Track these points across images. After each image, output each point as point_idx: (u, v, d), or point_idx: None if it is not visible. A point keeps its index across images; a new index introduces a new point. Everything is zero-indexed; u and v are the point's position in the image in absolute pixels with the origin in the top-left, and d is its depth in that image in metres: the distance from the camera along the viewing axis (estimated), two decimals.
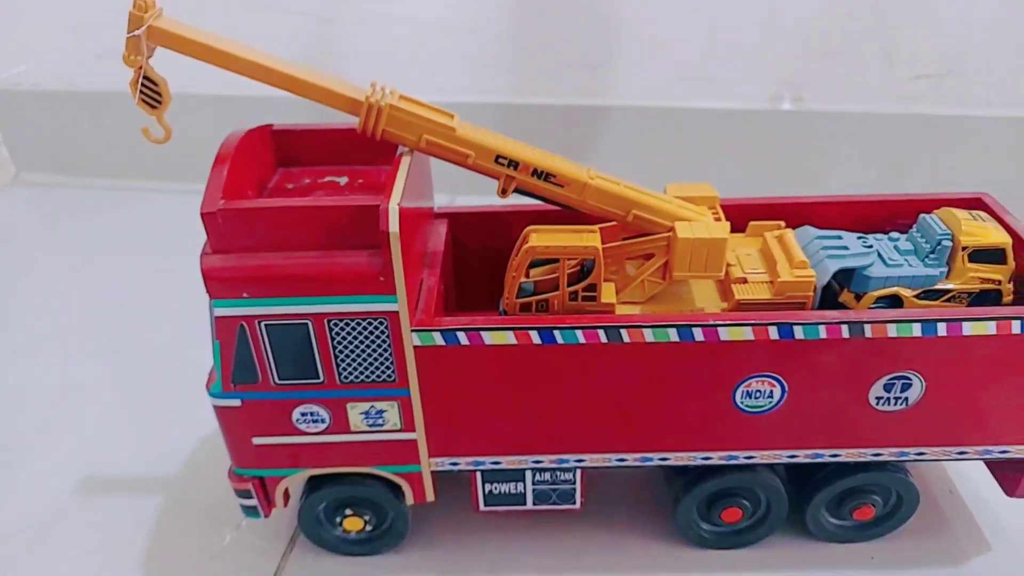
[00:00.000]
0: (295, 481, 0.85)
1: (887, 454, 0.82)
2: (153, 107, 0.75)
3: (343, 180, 0.84)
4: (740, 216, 0.90)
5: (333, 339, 0.74)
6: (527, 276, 0.82)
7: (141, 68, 0.73)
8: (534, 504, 0.88)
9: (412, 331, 0.74)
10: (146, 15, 0.70)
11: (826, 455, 0.82)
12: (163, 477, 1.03)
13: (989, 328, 0.73)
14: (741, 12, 1.36)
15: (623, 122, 1.49)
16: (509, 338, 0.74)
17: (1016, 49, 1.33)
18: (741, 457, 0.82)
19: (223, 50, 0.72)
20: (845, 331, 0.73)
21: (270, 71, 0.73)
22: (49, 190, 1.77)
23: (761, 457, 0.82)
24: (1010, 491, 0.86)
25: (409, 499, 0.86)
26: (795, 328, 0.73)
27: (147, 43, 0.71)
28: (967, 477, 0.97)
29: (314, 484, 0.86)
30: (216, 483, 0.92)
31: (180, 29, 0.72)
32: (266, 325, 0.73)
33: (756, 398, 0.78)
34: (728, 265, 0.83)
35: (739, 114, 1.45)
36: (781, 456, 0.82)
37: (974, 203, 0.90)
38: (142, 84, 0.74)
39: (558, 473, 0.85)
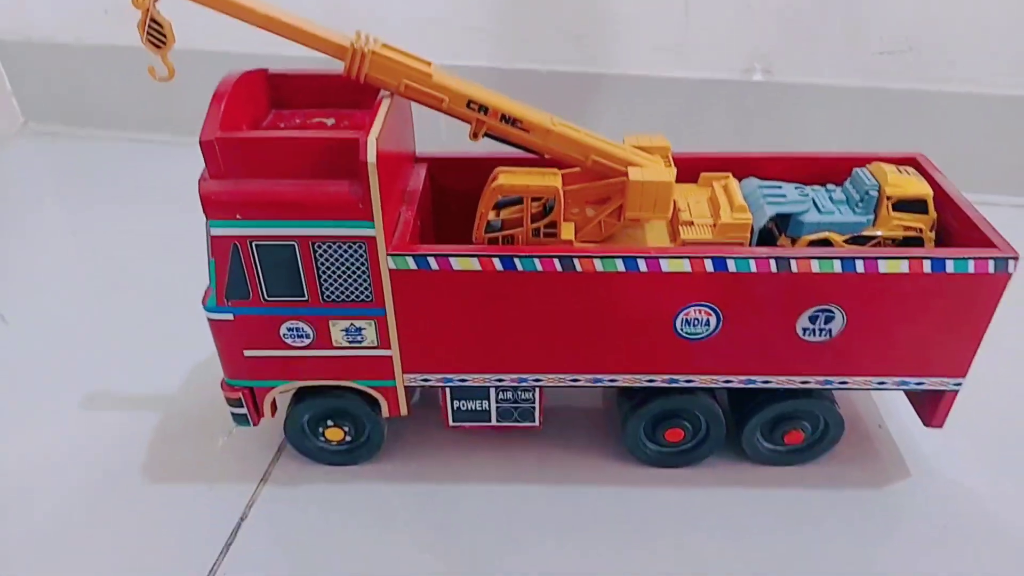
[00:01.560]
0: (282, 392, 0.94)
1: (813, 382, 0.91)
2: (158, 47, 0.83)
3: (330, 121, 0.92)
4: (693, 168, 0.98)
5: (317, 260, 0.83)
6: (497, 215, 0.91)
7: (148, 10, 0.81)
8: (498, 421, 0.97)
9: (388, 255, 0.83)
10: None
11: (758, 381, 0.91)
12: (162, 395, 1.12)
13: (902, 266, 0.82)
14: None
15: (603, 89, 1.56)
16: (474, 264, 0.83)
17: (974, 28, 1.41)
18: (682, 381, 0.91)
19: None
20: (773, 265, 0.82)
21: (267, 18, 0.81)
22: (56, 139, 1.85)
23: (700, 381, 0.91)
24: (927, 421, 0.95)
25: (385, 412, 0.95)
26: (728, 262, 0.82)
27: None
28: (895, 413, 1.07)
29: (299, 396, 0.95)
30: (211, 400, 1.00)
31: None
32: (256, 245, 0.82)
33: (694, 326, 0.87)
34: (678, 210, 0.92)
35: (712, 84, 1.52)
36: (718, 381, 0.91)
37: (909, 162, 0.99)
38: (149, 25, 0.82)
39: (519, 392, 0.94)
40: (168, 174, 1.67)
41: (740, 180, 0.96)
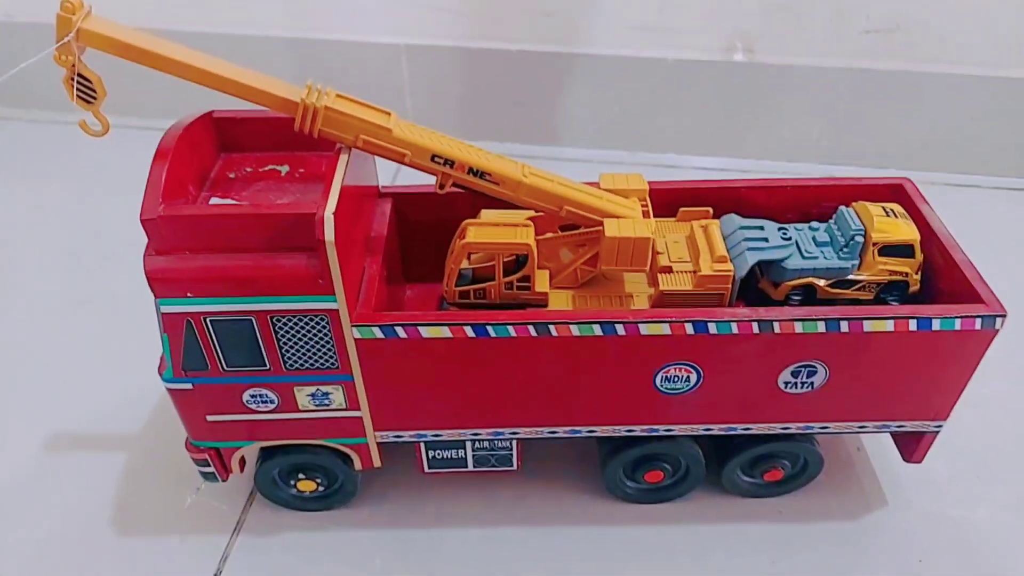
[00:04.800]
0: (250, 450, 0.91)
1: (794, 428, 0.89)
2: (89, 103, 0.76)
3: (284, 169, 0.86)
4: (670, 200, 0.94)
5: (277, 333, 0.78)
6: (468, 261, 0.86)
7: (74, 66, 0.73)
8: (474, 467, 0.95)
9: (353, 326, 0.78)
10: (74, 16, 0.70)
11: (739, 429, 0.89)
12: (128, 432, 1.08)
13: (888, 326, 0.79)
14: None
15: (576, 70, 1.48)
16: (444, 332, 0.79)
17: (965, 5, 1.34)
18: (662, 430, 0.89)
19: (156, 52, 0.73)
20: (755, 327, 0.79)
21: (206, 74, 0.74)
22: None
23: (680, 430, 0.89)
24: (907, 457, 0.95)
25: (357, 465, 0.93)
26: (709, 324, 0.79)
27: (77, 44, 0.72)
28: (874, 436, 1.06)
29: (268, 452, 0.92)
30: (177, 437, 0.96)
31: (110, 30, 0.72)
32: (211, 321, 0.77)
33: (675, 382, 0.84)
34: (656, 253, 0.88)
35: (692, 64, 1.45)
36: (698, 429, 0.89)
37: (895, 188, 0.95)
38: (77, 81, 0.75)
39: (496, 442, 0.92)
40: (118, 159, 1.54)
41: (720, 215, 0.92)
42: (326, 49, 1.54)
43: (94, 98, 0.76)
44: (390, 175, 1.33)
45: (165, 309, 0.77)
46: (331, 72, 1.54)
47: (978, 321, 0.79)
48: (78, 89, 0.75)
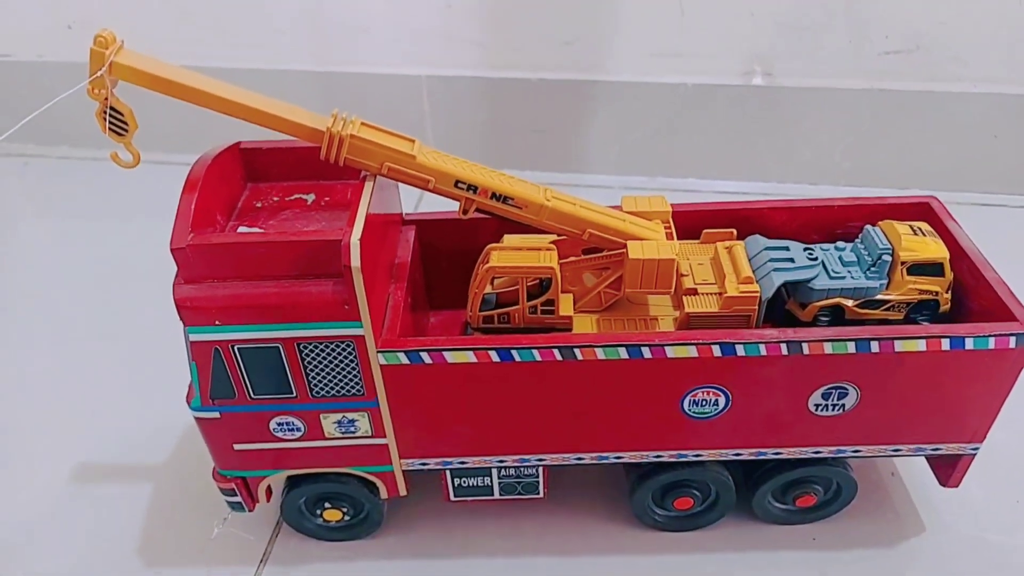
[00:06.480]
0: (276, 480, 0.91)
1: (826, 451, 0.88)
2: (120, 135, 0.78)
3: (310, 198, 0.86)
4: (694, 222, 0.94)
5: (303, 360, 0.79)
6: (491, 285, 0.86)
7: (107, 99, 0.75)
8: (500, 495, 0.94)
9: (378, 352, 0.78)
10: (107, 51, 0.72)
11: (769, 453, 0.88)
12: (154, 463, 1.09)
13: (920, 345, 0.78)
14: None
15: (596, 97, 1.49)
16: (469, 357, 0.79)
17: (984, 25, 1.34)
18: (690, 455, 0.88)
19: (185, 84, 0.74)
20: (784, 349, 0.78)
21: (233, 104, 0.75)
22: (28, 160, 1.78)
23: (708, 455, 0.88)
24: (944, 482, 0.92)
25: (383, 494, 0.92)
26: (737, 346, 0.78)
27: (110, 77, 0.73)
28: (908, 461, 1.04)
29: (294, 481, 0.92)
30: (204, 468, 0.97)
31: (141, 63, 0.73)
32: (239, 348, 0.78)
33: (702, 406, 0.83)
34: (681, 275, 0.87)
35: (711, 89, 1.45)
36: (727, 454, 0.88)
37: (922, 207, 0.94)
38: (109, 114, 0.76)
39: (522, 469, 0.91)
40: (147, 193, 1.58)
41: (744, 237, 0.92)
42: (347, 81, 1.57)
43: (126, 130, 0.78)
44: (413, 203, 1.35)
45: (194, 337, 0.77)
46: (353, 104, 1.55)
47: (1012, 340, 0.77)
48: (110, 122, 0.77)
